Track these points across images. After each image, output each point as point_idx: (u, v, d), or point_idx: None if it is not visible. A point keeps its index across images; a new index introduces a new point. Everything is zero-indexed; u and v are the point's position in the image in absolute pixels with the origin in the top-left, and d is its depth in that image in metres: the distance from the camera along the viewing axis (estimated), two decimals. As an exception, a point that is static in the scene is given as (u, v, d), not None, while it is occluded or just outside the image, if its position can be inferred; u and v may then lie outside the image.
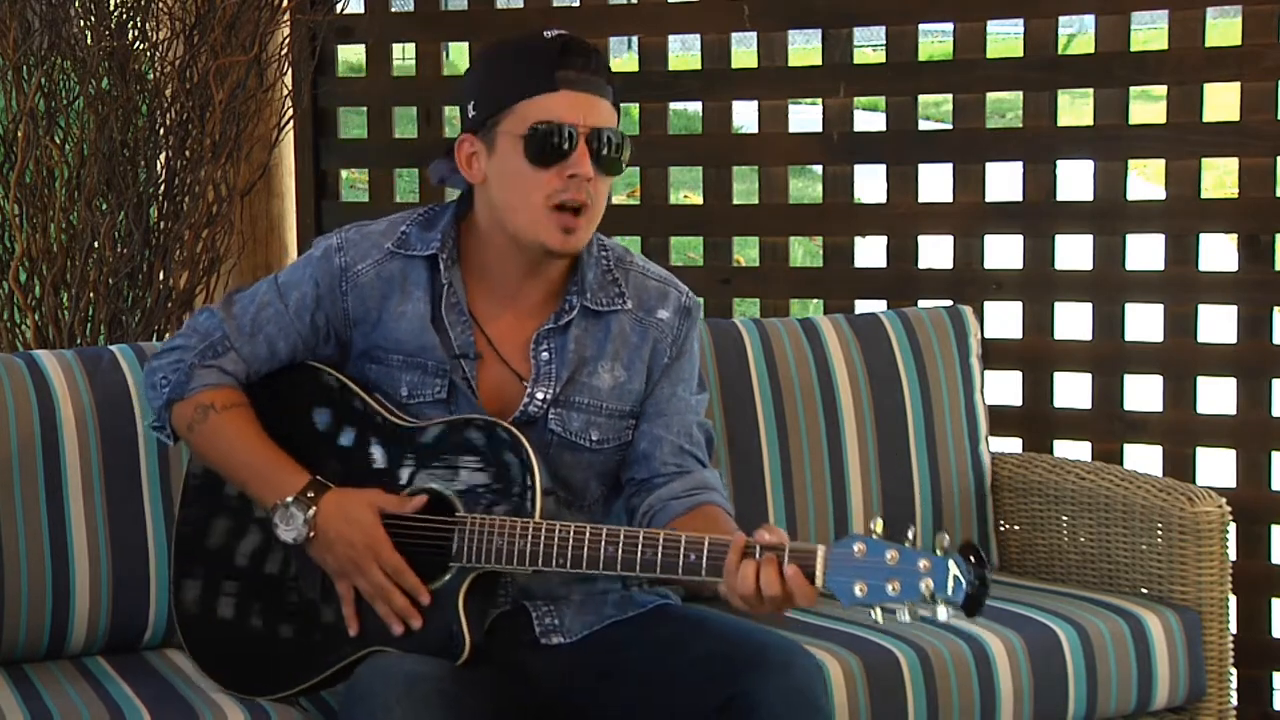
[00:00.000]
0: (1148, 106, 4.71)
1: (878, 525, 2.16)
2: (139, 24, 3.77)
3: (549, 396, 2.49)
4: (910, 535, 2.15)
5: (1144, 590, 3.15)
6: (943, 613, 2.12)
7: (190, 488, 2.64)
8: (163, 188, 3.83)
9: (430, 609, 2.40)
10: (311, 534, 2.41)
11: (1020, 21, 3.76)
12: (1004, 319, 3.85)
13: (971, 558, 2.12)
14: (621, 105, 2.51)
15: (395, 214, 2.60)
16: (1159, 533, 3.12)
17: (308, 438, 2.54)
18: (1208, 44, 3.62)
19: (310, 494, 2.43)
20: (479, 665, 2.38)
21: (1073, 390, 3.79)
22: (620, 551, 2.28)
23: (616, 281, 2.54)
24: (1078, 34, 8.43)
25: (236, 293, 2.61)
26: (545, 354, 2.50)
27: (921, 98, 3.90)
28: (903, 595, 2.12)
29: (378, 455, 2.49)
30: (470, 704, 2.29)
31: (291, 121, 4.09)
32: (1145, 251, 3.78)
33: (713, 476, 2.56)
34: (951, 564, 2.11)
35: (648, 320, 2.55)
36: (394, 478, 2.47)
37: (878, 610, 2.15)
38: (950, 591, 2.11)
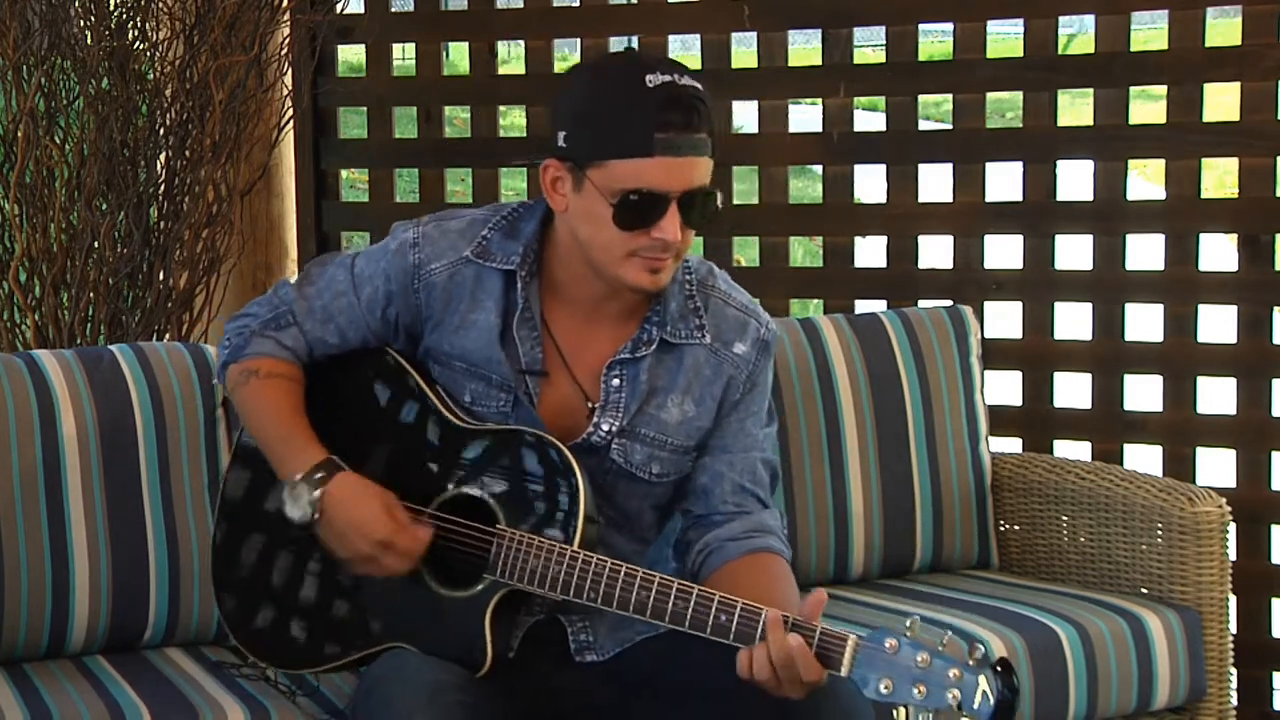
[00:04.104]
0: (1148, 106, 4.70)
1: (914, 624, 2.10)
2: (139, 24, 3.77)
3: (614, 428, 2.43)
4: (944, 640, 2.09)
5: (1144, 590, 3.15)
6: None
7: (240, 450, 2.61)
8: (163, 188, 3.83)
9: (457, 616, 2.36)
10: (317, 516, 2.37)
11: (1020, 21, 3.77)
12: (1004, 319, 3.85)
13: (1002, 670, 2.06)
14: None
15: (477, 211, 2.49)
16: (1159, 533, 3.12)
17: (363, 422, 2.50)
18: (1208, 44, 3.62)
19: (320, 474, 2.38)
20: (502, 674, 2.35)
21: (1073, 390, 3.79)
22: (652, 598, 2.22)
23: (697, 310, 2.46)
24: (1078, 34, 8.41)
25: (318, 265, 2.56)
26: (616, 380, 2.43)
27: (921, 98, 3.90)
28: (928, 701, 2.07)
29: (429, 449, 2.44)
30: (491, 715, 2.26)
31: (291, 121, 4.09)
32: (1145, 251, 3.79)
33: (772, 519, 2.48)
34: (982, 679, 2.05)
35: (724, 354, 2.46)
36: (442, 474, 2.42)
37: (901, 710, 2.10)
38: (977, 706, 2.05)
